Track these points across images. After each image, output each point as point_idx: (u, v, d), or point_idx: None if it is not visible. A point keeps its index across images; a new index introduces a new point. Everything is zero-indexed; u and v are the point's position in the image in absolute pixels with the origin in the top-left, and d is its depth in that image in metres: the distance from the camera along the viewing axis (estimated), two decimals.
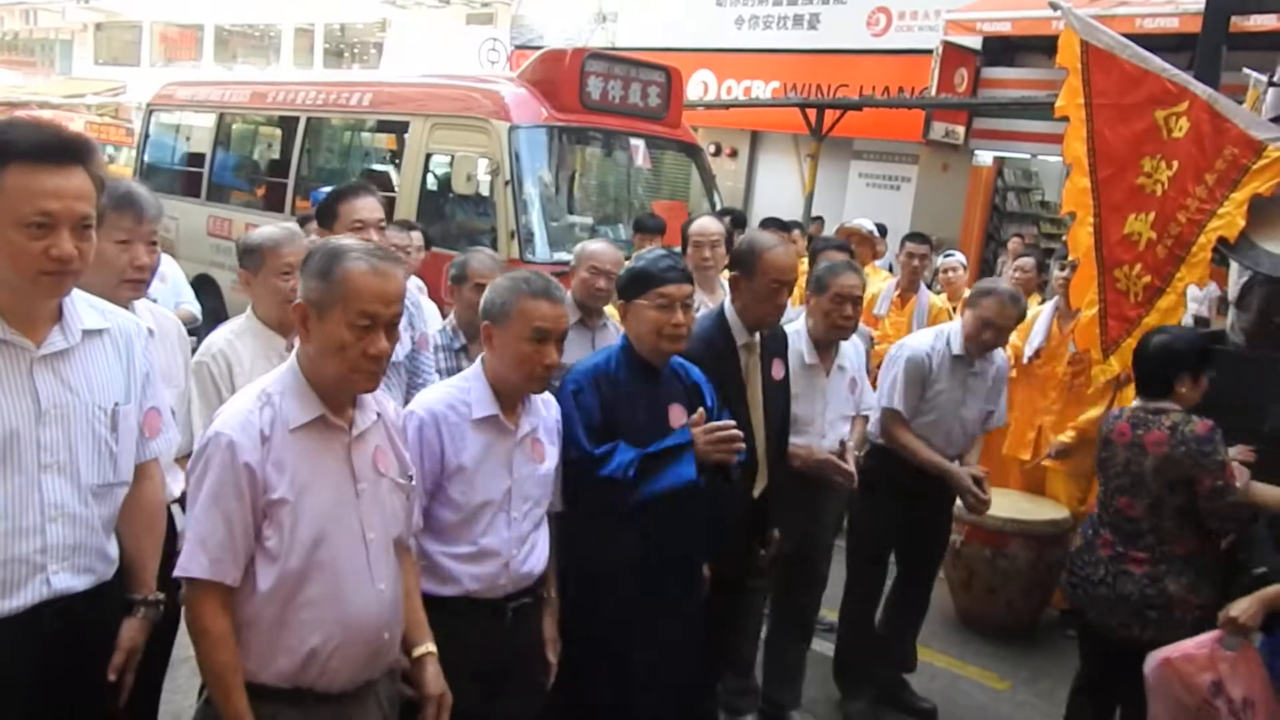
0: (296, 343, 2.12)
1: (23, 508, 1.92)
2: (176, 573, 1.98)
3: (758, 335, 3.36)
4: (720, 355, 3.26)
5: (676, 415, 2.88)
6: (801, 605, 4.05)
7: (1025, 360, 5.34)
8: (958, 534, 4.87)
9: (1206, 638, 2.98)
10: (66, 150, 1.90)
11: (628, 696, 2.85)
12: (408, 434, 2.41)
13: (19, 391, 1.92)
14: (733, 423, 2.81)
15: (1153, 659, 3.03)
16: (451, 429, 2.48)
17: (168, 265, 4.79)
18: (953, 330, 4.03)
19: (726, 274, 4.41)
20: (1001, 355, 4.14)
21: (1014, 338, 5.72)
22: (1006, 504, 4.97)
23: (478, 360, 2.65)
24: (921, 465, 3.89)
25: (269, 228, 3.12)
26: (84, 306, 2.08)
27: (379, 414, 2.19)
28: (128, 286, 2.54)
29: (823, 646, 4.34)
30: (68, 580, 1.98)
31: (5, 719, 1.95)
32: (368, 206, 3.24)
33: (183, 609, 2.03)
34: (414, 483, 2.30)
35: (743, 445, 2.83)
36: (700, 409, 2.87)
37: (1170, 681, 2.99)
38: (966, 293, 4.34)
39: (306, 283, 2.03)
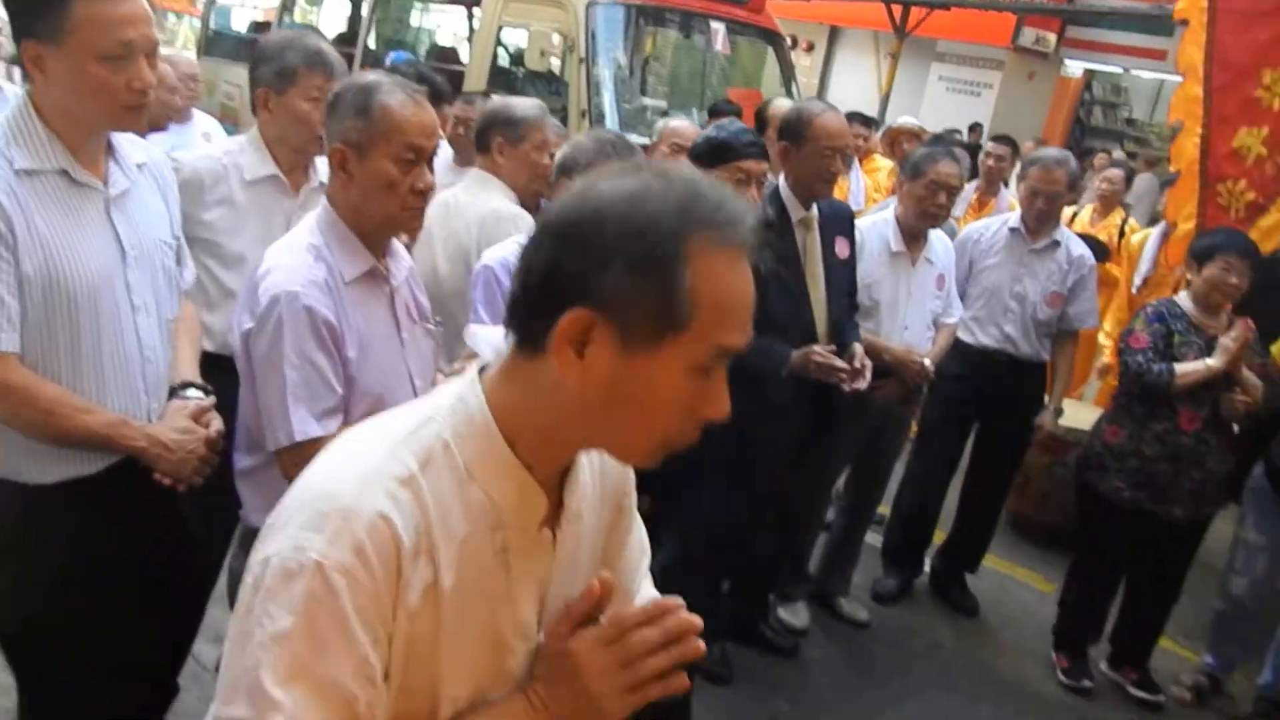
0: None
1: (126, 353, 1.88)
2: (284, 443, 1.80)
3: (815, 210, 3.21)
4: (775, 231, 3.11)
5: None
6: (862, 501, 4.06)
7: (1134, 290, 5.18)
8: None
9: None
10: None
11: None
12: None
13: (105, 236, 1.85)
14: None
15: None
16: None
17: (213, 126, 4.75)
18: (1016, 213, 4.06)
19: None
20: (1082, 247, 4.01)
21: (1120, 268, 5.58)
22: (1071, 414, 4.90)
23: None
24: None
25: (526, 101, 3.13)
26: (122, 139, 1.95)
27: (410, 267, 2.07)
28: (317, 144, 2.36)
29: (874, 538, 4.35)
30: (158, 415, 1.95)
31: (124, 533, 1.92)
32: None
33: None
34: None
35: None
36: None
37: None
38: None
39: (342, 123, 1.84)
